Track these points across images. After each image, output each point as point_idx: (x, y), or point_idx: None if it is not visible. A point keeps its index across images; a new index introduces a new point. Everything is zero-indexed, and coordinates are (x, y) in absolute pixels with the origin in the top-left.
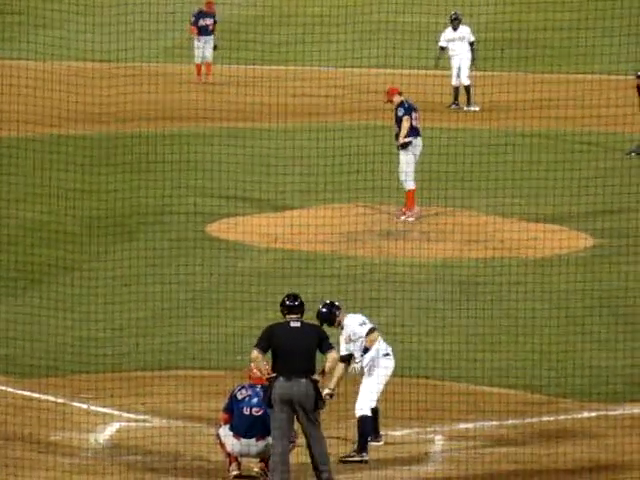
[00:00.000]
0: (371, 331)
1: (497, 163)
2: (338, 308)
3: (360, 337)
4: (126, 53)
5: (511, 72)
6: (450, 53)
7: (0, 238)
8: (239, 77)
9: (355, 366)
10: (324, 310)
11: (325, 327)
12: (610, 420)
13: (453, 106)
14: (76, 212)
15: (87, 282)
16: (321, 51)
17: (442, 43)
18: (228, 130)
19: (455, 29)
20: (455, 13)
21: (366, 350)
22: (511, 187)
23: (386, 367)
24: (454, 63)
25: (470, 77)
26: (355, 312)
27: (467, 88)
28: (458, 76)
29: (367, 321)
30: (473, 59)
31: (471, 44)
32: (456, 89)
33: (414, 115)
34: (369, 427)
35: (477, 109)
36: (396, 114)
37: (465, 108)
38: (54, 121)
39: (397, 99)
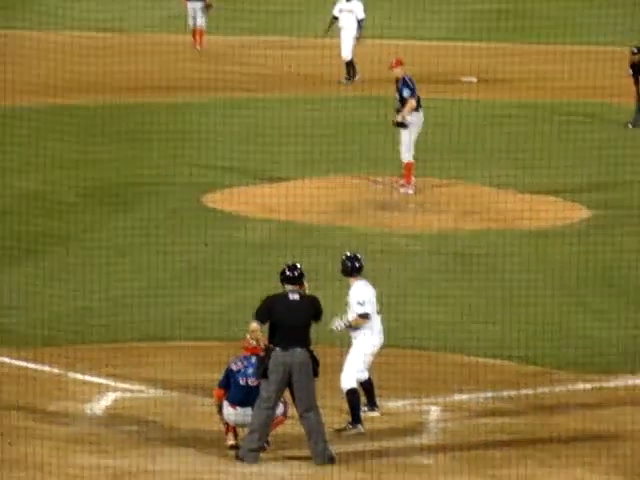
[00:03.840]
0: (362, 316)
1: (493, 134)
2: (354, 261)
3: (352, 310)
4: (121, 23)
5: (507, 43)
6: (340, 24)
7: None
8: (235, 47)
9: (338, 324)
10: (348, 264)
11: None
12: (605, 391)
13: (344, 80)
14: (72, 182)
15: (83, 252)
16: (317, 21)
17: (335, 12)
18: (224, 100)
19: (348, 0)
20: None
21: (349, 326)
22: (507, 158)
23: (373, 344)
24: (343, 35)
25: (353, 52)
26: (364, 282)
27: (348, 63)
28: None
29: (367, 303)
30: (359, 36)
31: (359, 21)
32: (347, 63)
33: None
34: (357, 399)
35: (474, 80)
36: (400, 92)
37: (344, 82)
38: (50, 91)
39: (399, 72)
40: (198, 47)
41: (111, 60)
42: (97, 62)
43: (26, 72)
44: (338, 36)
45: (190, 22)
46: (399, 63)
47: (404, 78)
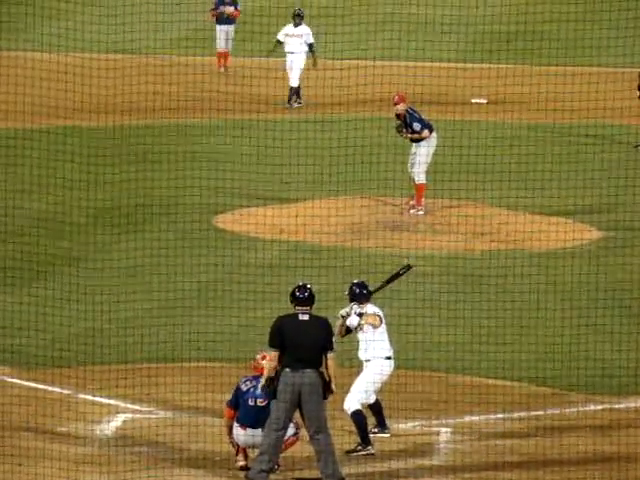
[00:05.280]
0: (378, 317)
1: (503, 155)
2: (362, 288)
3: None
4: (132, 44)
5: (517, 64)
6: (287, 49)
7: (7, 229)
8: (245, 68)
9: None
10: (356, 290)
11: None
12: (615, 413)
13: (289, 105)
14: (82, 203)
15: (93, 273)
16: (327, 42)
17: (280, 37)
18: (234, 122)
19: (296, 26)
20: (299, 9)
21: (351, 328)
22: (517, 179)
23: (382, 371)
24: (290, 59)
25: (300, 79)
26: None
27: (295, 89)
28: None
29: (382, 318)
30: (313, 60)
31: (310, 45)
32: (292, 88)
33: (423, 116)
34: (363, 420)
35: (484, 102)
36: (410, 126)
37: (287, 105)
38: (61, 112)
39: (401, 108)
40: (222, 69)
41: (121, 81)
42: (107, 83)
43: (37, 94)
44: (284, 61)
45: (220, 44)
46: (402, 99)
47: (409, 112)
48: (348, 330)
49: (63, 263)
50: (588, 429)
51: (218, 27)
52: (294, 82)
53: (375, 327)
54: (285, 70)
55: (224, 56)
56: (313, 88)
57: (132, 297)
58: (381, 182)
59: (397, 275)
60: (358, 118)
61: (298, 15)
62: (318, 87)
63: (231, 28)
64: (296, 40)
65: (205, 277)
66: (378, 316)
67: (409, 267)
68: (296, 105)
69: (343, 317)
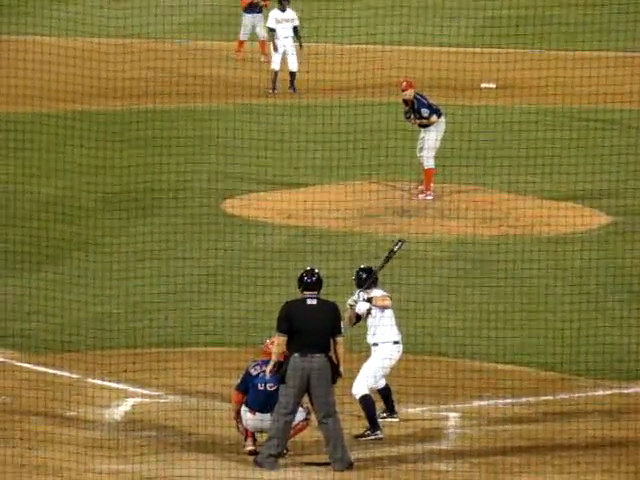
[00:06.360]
0: (388, 298)
1: (512, 140)
2: (370, 273)
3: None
4: (141, 28)
5: (526, 49)
6: (279, 34)
7: (16, 213)
8: (254, 53)
9: (356, 299)
10: (363, 276)
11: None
12: (624, 398)
13: (271, 91)
14: (91, 188)
15: (102, 258)
16: (336, 27)
17: (271, 24)
18: (243, 106)
19: (283, 10)
20: None
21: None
22: (527, 164)
23: (390, 356)
24: (282, 44)
25: (298, 63)
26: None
27: (293, 74)
28: (282, 60)
29: (390, 301)
30: (300, 44)
31: (295, 28)
32: (276, 74)
33: (432, 101)
34: (371, 405)
35: (493, 86)
36: (419, 112)
37: (271, 92)
38: (69, 97)
39: (410, 94)
40: (262, 58)
41: (130, 66)
42: (117, 68)
43: (45, 78)
44: (271, 46)
45: (244, 32)
46: (410, 85)
47: (417, 98)
48: (358, 318)
49: (72, 247)
50: (597, 414)
51: (245, 15)
52: (293, 66)
53: (387, 307)
54: (271, 54)
55: (260, 44)
56: (321, 73)
57: (141, 282)
58: (390, 167)
59: (392, 252)
60: (367, 103)
61: None
62: (327, 72)
63: (258, 16)
64: (287, 25)
65: (213, 262)
66: (388, 296)
67: (402, 242)
68: (271, 93)
69: (351, 306)
